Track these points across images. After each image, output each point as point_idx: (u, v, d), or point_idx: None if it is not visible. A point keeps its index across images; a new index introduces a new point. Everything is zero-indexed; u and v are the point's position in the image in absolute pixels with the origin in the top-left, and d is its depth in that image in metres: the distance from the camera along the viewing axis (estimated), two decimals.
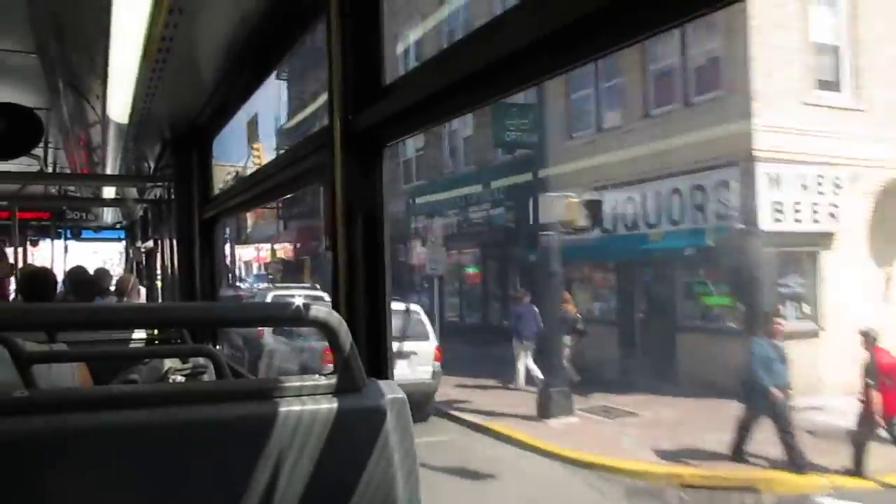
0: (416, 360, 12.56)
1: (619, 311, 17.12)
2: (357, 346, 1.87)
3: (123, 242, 11.29)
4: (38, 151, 5.96)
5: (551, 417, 12.14)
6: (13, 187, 6.59)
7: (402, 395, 1.40)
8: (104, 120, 4.33)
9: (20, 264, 7.65)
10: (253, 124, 28.60)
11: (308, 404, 1.31)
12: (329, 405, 1.32)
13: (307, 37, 2.49)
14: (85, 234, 10.68)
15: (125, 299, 6.94)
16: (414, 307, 13.67)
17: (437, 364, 12.97)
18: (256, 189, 3.02)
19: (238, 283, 34.18)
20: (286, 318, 1.47)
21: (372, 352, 1.85)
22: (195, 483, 1.19)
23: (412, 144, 24.99)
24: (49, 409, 1.13)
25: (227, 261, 35.49)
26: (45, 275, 5.41)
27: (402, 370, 11.70)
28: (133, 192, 6.69)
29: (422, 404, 11.98)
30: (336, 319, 1.32)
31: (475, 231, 22.52)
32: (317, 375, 1.36)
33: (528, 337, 14.83)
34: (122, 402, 1.18)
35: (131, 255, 10.03)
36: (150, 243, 7.55)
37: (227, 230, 34.58)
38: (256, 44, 2.75)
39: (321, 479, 1.30)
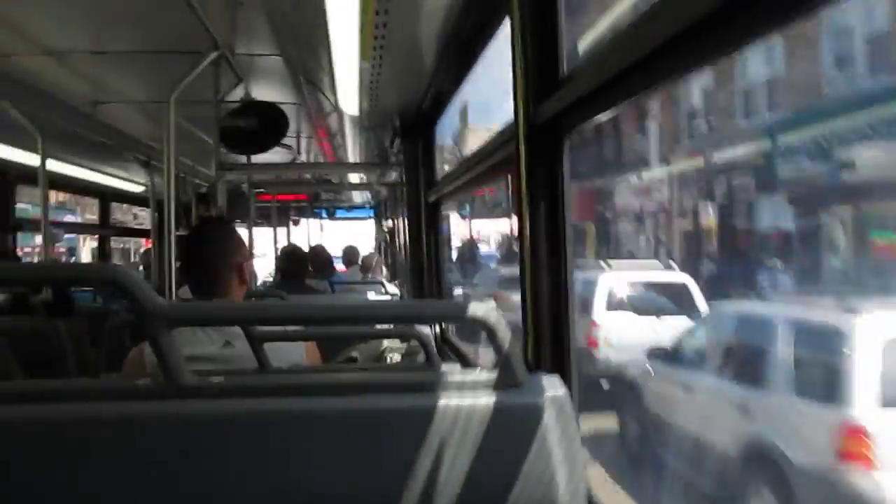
0: None
1: None
2: (541, 337, 1.90)
3: (373, 221, 12.12)
4: (292, 142, 6.57)
5: None
6: (271, 175, 7.31)
7: (563, 391, 1.40)
8: (339, 112, 4.69)
9: (279, 243, 8.47)
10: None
11: (467, 399, 1.35)
12: (487, 400, 1.35)
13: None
14: (339, 213, 11.60)
15: (369, 275, 7.47)
16: None
17: None
18: (466, 177, 3.14)
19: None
20: (446, 316, 1.53)
21: (555, 341, 1.87)
22: (346, 473, 1.27)
23: None
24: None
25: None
26: (299, 253, 5.98)
27: None
28: (374, 176, 7.17)
29: None
30: (494, 316, 1.35)
31: None
32: (478, 370, 1.39)
33: None
34: (280, 391, 1.30)
35: (376, 234, 10.77)
36: (391, 223, 8.05)
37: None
38: (460, 37, 2.84)
39: (477, 476, 1.34)
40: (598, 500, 1.75)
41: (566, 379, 1.86)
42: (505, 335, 1.37)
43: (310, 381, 1.40)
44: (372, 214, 11.77)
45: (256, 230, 9.36)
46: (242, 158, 5.74)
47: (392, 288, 6.33)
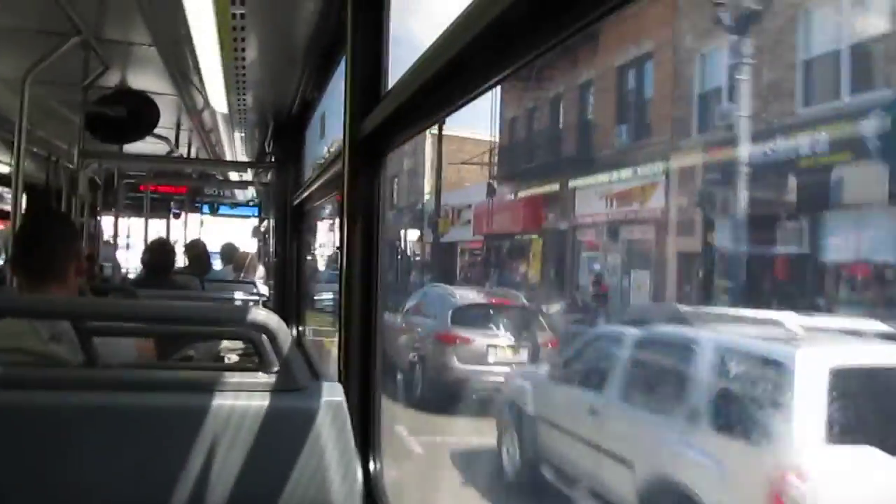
0: None
1: None
2: (350, 346, 1.98)
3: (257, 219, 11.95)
4: (169, 135, 6.46)
5: None
6: (143, 166, 7.14)
7: (340, 398, 1.48)
8: (210, 108, 4.66)
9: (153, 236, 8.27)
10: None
11: (246, 400, 1.41)
12: (262, 402, 1.41)
13: None
14: (222, 209, 11.39)
15: (242, 275, 7.39)
16: None
17: None
18: (316, 184, 3.20)
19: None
20: (225, 321, 1.59)
21: (364, 350, 1.95)
22: (124, 468, 1.32)
23: None
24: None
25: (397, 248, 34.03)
26: (166, 248, 5.88)
27: None
28: (253, 176, 7.12)
29: None
30: (275, 322, 1.42)
31: None
32: (259, 373, 1.46)
33: None
34: (61, 384, 1.33)
35: (253, 233, 10.66)
36: (266, 223, 8.00)
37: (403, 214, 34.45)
38: (320, 47, 2.91)
39: (253, 474, 1.40)
40: (378, 494, 1.84)
41: (371, 383, 1.95)
42: (285, 340, 1.45)
43: (91, 376, 1.43)
44: (256, 214, 11.62)
45: (138, 221, 9.13)
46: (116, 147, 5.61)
47: (263, 288, 6.30)
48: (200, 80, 3.98)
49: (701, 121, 16.29)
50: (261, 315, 1.41)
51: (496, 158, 27.68)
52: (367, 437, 1.91)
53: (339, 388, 1.50)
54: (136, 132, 4.88)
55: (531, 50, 1.23)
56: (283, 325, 1.42)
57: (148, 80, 4.86)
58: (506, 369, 10.36)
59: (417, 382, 11.50)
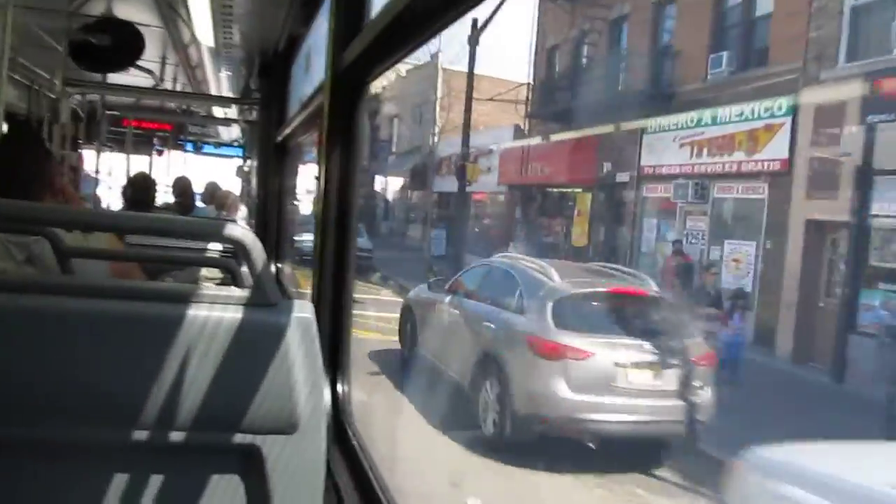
0: None
1: None
2: (324, 272, 2.04)
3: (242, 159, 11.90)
4: (154, 67, 6.40)
5: None
6: (129, 100, 7.08)
7: (309, 315, 1.54)
8: (196, 42, 4.63)
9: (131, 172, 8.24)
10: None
11: (217, 311, 1.47)
12: (235, 315, 1.47)
13: None
14: (206, 148, 11.32)
15: (224, 213, 7.40)
16: None
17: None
18: (298, 119, 3.22)
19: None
20: (202, 233, 1.64)
21: (337, 277, 2.01)
22: (99, 370, 1.37)
23: None
24: None
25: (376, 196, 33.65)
26: (147, 182, 5.89)
27: None
28: (237, 113, 7.08)
29: None
30: (251, 239, 1.47)
31: None
32: (233, 287, 1.51)
33: None
34: (44, 289, 1.38)
35: (237, 173, 10.63)
36: (250, 163, 7.98)
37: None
38: None
39: (223, 383, 1.46)
40: (345, 417, 1.92)
41: (342, 309, 2.02)
42: (259, 257, 1.50)
43: (68, 282, 1.47)
44: (241, 154, 11.57)
45: (121, 158, 9.05)
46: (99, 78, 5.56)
47: (244, 227, 6.31)
48: (187, 12, 3.96)
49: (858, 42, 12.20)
50: (237, 231, 1.45)
51: (528, 95, 23.40)
52: (336, 360, 1.98)
53: (309, 306, 1.56)
54: (121, 62, 4.85)
55: None
56: (259, 243, 1.46)
57: (134, 10, 4.82)
58: (646, 403, 7.23)
59: (496, 421, 7.63)
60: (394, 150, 34.72)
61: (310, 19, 3.36)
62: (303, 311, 1.53)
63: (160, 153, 10.95)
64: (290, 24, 3.58)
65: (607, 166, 18.00)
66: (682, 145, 15.65)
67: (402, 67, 27.96)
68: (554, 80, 22.25)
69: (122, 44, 4.70)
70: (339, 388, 1.98)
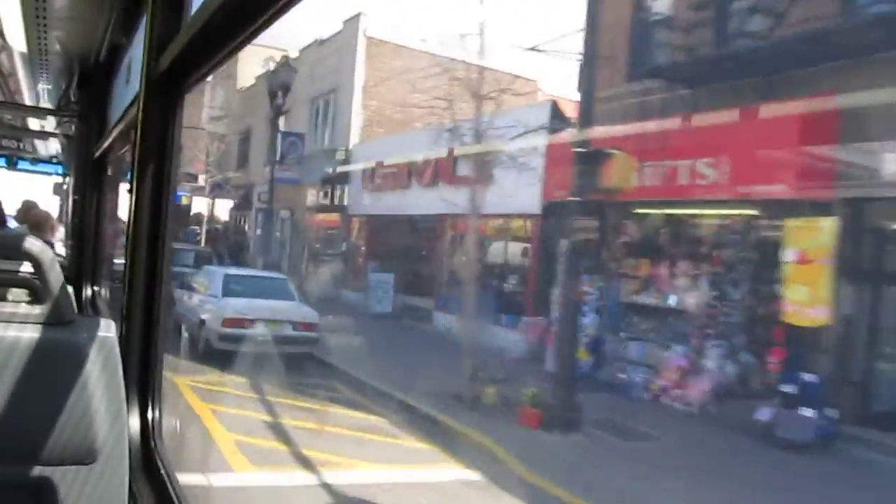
0: None
1: None
2: (135, 289, 1.93)
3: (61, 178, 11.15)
4: None
5: None
6: None
7: (112, 334, 1.44)
8: (8, 47, 4.32)
9: None
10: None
11: (12, 331, 1.36)
12: (32, 335, 1.36)
13: None
14: (21, 164, 10.51)
15: (39, 235, 6.87)
16: None
17: None
18: (115, 131, 3.05)
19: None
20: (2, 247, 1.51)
21: (147, 294, 1.90)
22: None
23: None
24: None
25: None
26: None
27: None
28: (55, 127, 6.63)
29: None
30: (49, 257, 1.37)
31: None
32: (33, 306, 1.40)
33: None
34: None
35: (54, 191, 9.94)
36: (69, 180, 7.50)
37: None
38: None
39: (18, 410, 1.34)
40: (155, 443, 1.81)
41: (153, 328, 1.91)
42: (57, 274, 1.40)
43: None
44: (62, 171, 10.83)
45: None
46: None
47: (60, 249, 5.91)
48: None
49: None
50: (35, 245, 1.37)
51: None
52: (146, 383, 1.87)
53: (112, 325, 1.47)
54: None
55: None
56: (56, 259, 1.38)
57: None
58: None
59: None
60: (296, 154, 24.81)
61: (131, 27, 3.20)
62: (106, 330, 1.45)
63: None
64: (111, 31, 3.41)
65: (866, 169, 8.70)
66: None
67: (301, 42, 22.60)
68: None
69: None
70: (149, 412, 1.86)
